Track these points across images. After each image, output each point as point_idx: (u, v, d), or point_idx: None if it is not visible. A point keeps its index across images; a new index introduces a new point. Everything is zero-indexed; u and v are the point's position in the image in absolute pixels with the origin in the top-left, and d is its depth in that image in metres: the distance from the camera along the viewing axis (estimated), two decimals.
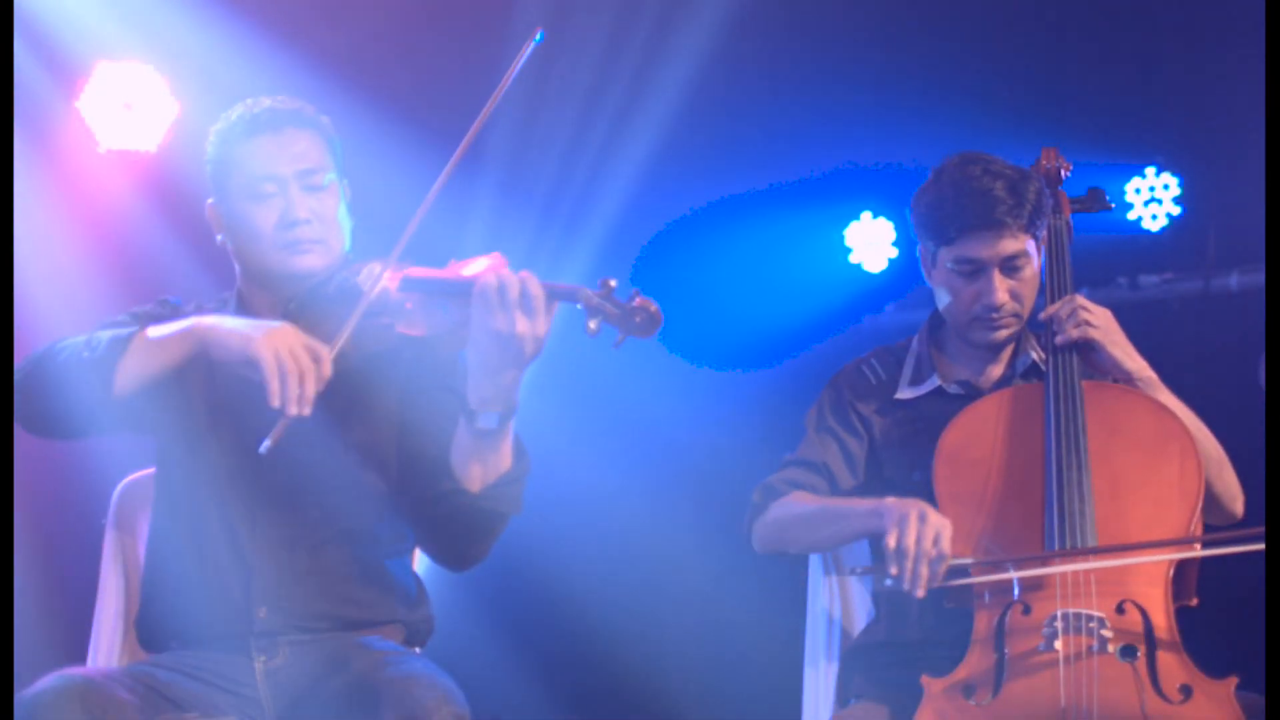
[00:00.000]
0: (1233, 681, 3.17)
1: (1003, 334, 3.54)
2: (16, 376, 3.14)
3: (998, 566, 3.24)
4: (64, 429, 3.15)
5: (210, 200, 3.29)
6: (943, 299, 3.56)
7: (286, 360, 2.95)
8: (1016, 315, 3.52)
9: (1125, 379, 3.47)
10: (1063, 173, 3.73)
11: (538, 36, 3.07)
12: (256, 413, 3.03)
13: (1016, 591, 3.24)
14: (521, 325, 2.91)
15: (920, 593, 3.19)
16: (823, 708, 3.63)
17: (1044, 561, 3.24)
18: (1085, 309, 3.48)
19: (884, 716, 3.36)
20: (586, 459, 5.65)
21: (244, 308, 3.26)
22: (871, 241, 6.04)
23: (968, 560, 3.24)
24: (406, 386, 3.20)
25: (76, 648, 3.54)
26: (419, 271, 3.03)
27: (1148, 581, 3.25)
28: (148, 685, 3.06)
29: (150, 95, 5.36)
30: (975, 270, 3.48)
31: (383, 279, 3.00)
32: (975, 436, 3.40)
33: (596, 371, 5.24)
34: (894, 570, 3.19)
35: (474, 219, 5.58)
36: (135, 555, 3.47)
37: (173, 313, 3.21)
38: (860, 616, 3.68)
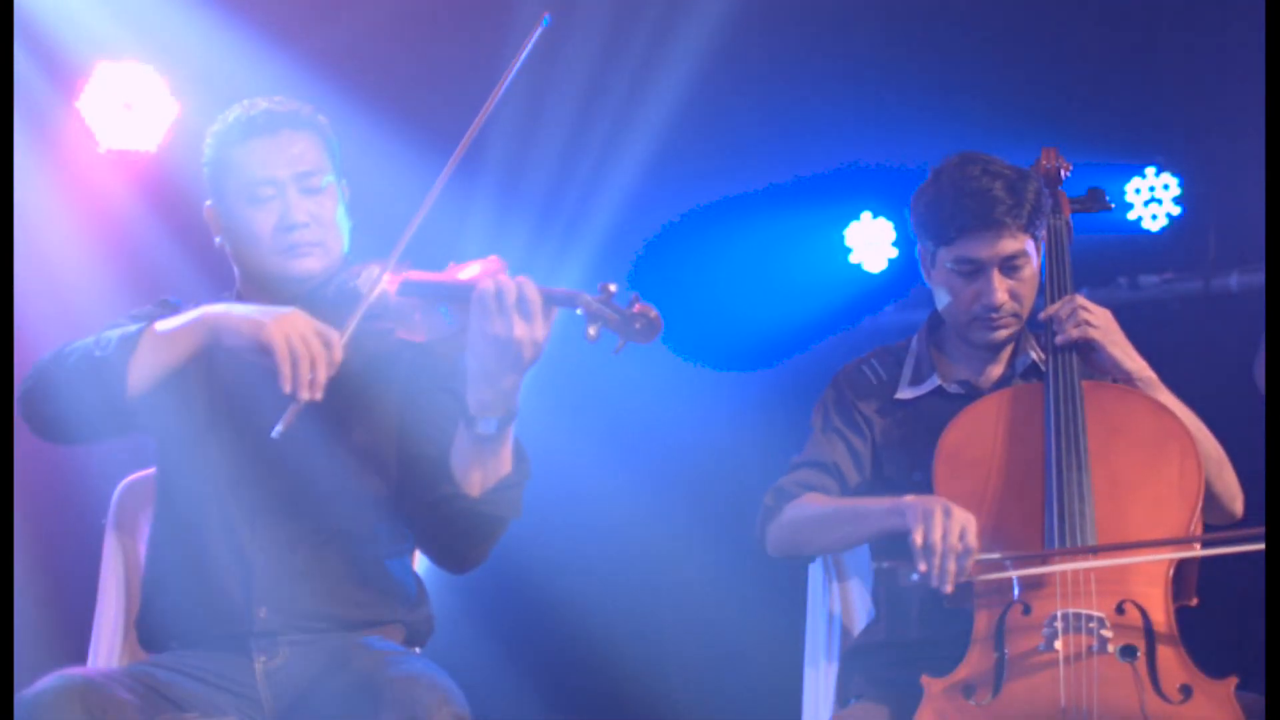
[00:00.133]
0: (1233, 681, 3.16)
1: (1002, 334, 3.54)
2: (26, 382, 3.13)
3: (997, 566, 3.25)
4: (75, 433, 3.14)
5: (208, 202, 3.28)
6: (942, 299, 3.56)
7: (298, 345, 2.95)
8: (1016, 315, 3.52)
9: (1125, 379, 3.46)
10: (1062, 173, 3.73)
11: (544, 20, 3.06)
12: (257, 413, 3.04)
13: (1016, 591, 3.24)
14: (519, 330, 2.90)
15: (949, 588, 3.18)
16: (823, 708, 3.63)
17: (1044, 561, 3.24)
18: (1085, 309, 3.47)
19: (884, 716, 3.36)
20: (586, 459, 5.64)
21: None
22: (871, 241, 6.03)
23: (995, 555, 3.23)
24: (406, 388, 3.19)
25: (76, 648, 3.54)
26: (418, 275, 3.03)
27: (1148, 581, 3.25)
28: (148, 685, 3.06)
29: (150, 95, 5.35)
30: (974, 270, 3.48)
31: (382, 282, 3.00)
32: (975, 436, 3.40)
33: (596, 372, 5.23)
34: (923, 566, 3.18)
35: (473, 219, 5.57)
36: (135, 555, 3.47)
37: (172, 313, 3.20)
38: (860, 616, 3.68)
